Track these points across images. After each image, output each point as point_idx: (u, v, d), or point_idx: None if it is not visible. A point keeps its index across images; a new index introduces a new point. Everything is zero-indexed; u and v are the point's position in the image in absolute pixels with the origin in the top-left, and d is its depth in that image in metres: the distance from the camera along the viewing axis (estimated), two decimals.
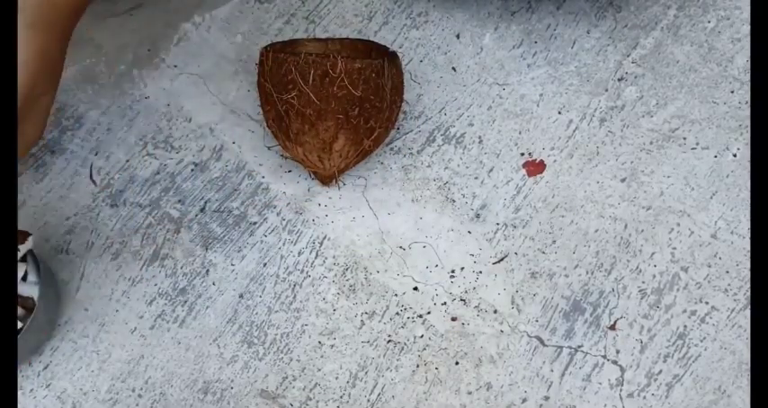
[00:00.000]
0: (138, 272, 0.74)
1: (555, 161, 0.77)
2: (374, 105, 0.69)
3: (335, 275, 0.73)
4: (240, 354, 0.71)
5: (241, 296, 0.73)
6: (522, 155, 0.78)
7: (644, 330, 0.70)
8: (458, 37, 0.84)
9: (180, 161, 0.78)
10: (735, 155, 0.76)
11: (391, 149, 0.78)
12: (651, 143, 0.77)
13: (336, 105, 0.68)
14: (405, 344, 0.70)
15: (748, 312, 0.70)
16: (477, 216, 0.75)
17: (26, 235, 0.70)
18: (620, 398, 0.68)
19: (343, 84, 0.67)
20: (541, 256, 0.73)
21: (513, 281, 0.72)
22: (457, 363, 0.69)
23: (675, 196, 0.75)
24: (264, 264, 0.74)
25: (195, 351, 0.71)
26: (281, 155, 0.78)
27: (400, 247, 0.74)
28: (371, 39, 0.83)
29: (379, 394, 0.69)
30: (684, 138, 0.77)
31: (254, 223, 0.75)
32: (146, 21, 0.85)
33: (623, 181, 0.76)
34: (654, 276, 0.72)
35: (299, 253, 0.74)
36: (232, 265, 0.74)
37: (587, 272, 0.72)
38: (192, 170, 0.78)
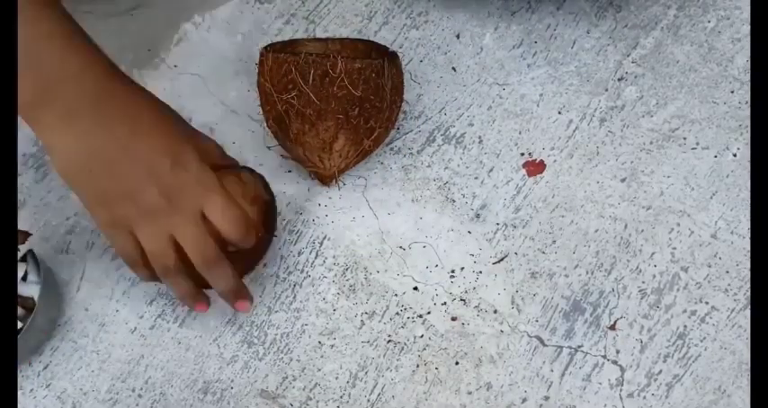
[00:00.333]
0: None
1: (555, 161, 0.77)
2: (374, 105, 0.69)
3: (335, 275, 0.73)
4: (240, 354, 0.71)
5: None
6: (522, 155, 0.78)
7: (644, 330, 0.70)
8: (458, 37, 0.84)
9: None
10: (735, 155, 0.76)
11: (391, 149, 0.78)
12: (651, 143, 0.77)
13: (336, 105, 0.68)
14: (405, 344, 0.70)
15: (748, 312, 0.70)
16: (477, 216, 0.75)
17: (26, 234, 0.70)
18: (620, 398, 0.68)
19: (343, 84, 0.67)
20: (541, 256, 0.73)
21: (513, 281, 0.72)
22: (457, 363, 0.69)
23: (675, 196, 0.75)
24: (264, 264, 0.74)
25: (195, 351, 0.71)
26: (281, 155, 0.78)
27: (400, 247, 0.74)
28: (371, 39, 0.83)
29: (379, 394, 0.69)
30: (684, 138, 0.77)
31: None
32: (146, 21, 0.85)
33: (623, 181, 0.76)
34: (654, 276, 0.72)
35: (299, 253, 0.74)
36: None
37: (587, 272, 0.72)
38: None
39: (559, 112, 0.79)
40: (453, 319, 0.71)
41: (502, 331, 0.70)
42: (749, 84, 0.79)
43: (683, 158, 0.77)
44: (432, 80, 0.81)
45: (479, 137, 0.79)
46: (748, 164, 0.76)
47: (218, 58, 0.83)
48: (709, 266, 0.72)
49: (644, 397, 0.68)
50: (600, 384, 0.68)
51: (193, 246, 0.61)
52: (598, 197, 0.75)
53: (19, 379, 0.70)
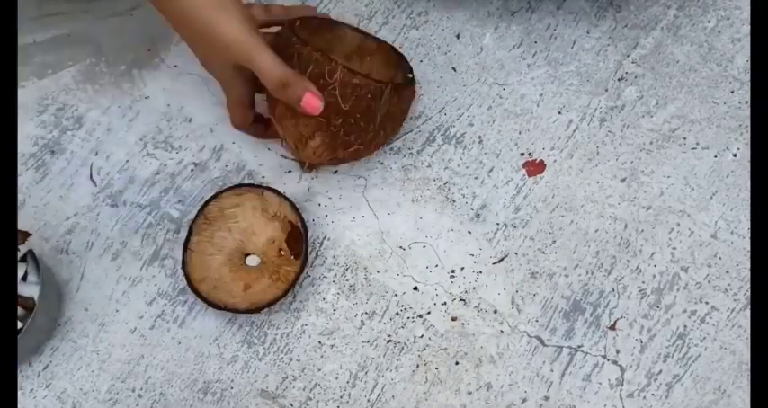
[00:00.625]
0: (138, 272, 0.74)
1: (555, 161, 0.77)
2: (358, 123, 0.68)
3: (335, 275, 0.73)
4: (240, 354, 0.71)
5: None
6: (522, 155, 0.78)
7: (644, 330, 0.70)
8: (458, 37, 0.84)
9: (180, 161, 0.78)
10: (735, 155, 0.76)
11: (391, 149, 0.78)
12: (651, 143, 0.77)
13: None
14: (405, 344, 0.70)
15: (748, 312, 0.70)
16: (477, 216, 0.75)
17: (26, 234, 0.70)
18: (620, 398, 0.68)
19: (333, 93, 0.66)
20: (541, 256, 0.73)
21: (513, 281, 0.72)
22: (457, 363, 0.69)
23: (675, 196, 0.75)
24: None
25: (195, 351, 0.71)
26: (282, 155, 0.78)
27: (400, 247, 0.74)
28: None
29: (379, 394, 0.69)
30: (684, 138, 0.77)
31: None
32: (146, 21, 0.85)
33: (623, 181, 0.76)
34: (654, 276, 0.72)
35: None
36: None
37: (587, 272, 0.72)
38: (192, 170, 0.78)
39: (559, 112, 0.79)
40: (453, 319, 0.71)
41: (502, 331, 0.70)
42: (749, 84, 0.79)
43: (683, 158, 0.77)
44: (432, 80, 0.81)
45: (479, 137, 0.79)
46: (748, 164, 0.76)
47: None
48: (709, 266, 0.72)
49: (644, 397, 0.68)
50: (600, 384, 0.68)
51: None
52: (598, 197, 0.75)
53: (19, 379, 0.70)
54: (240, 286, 0.71)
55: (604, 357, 0.69)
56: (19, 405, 0.69)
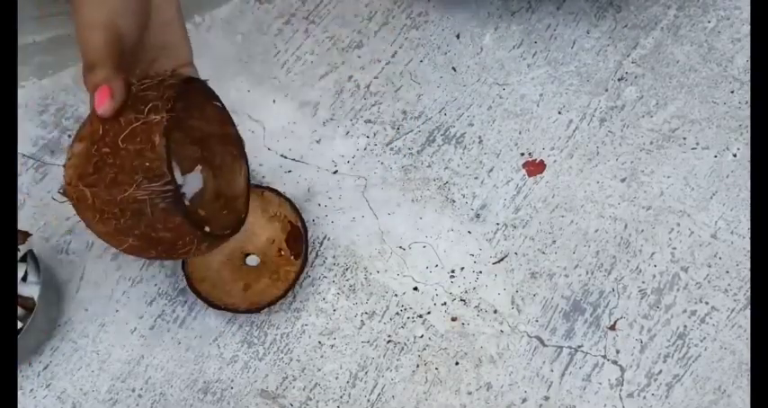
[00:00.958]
0: (138, 272, 0.74)
1: (555, 161, 0.77)
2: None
3: (335, 275, 0.73)
4: (240, 354, 0.71)
5: None
6: (522, 155, 0.78)
7: (644, 330, 0.70)
8: (458, 37, 0.84)
9: None
10: (735, 155, 0.76)
11: (391, 149, 0.78)
12: (651, 143, 0.77)
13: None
14: (405, 344, 0.70)
15: (748, 312, 0.70)
16: (477, 216, 0.75)
17: (26, 234, 0.70)
18: (620, 398, 0.68)
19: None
20: (541, 256, 0.73)
21: (513, 281, 0.72)
22: (457, 363, 0.69)
23: (675, 196, 0.75)
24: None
25: (195, 351, 0.71)
26: (282, 156, 0.78)
27: (400, 247, 0.74)
28: (371, 39, 0.83)
29: (379, 394, 0.69)
30: (684, 138, 0.77)
31: None
32: None
33: (623, 181, 0.76)
34: (654, 276, 0.72)
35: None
36: None
37: (587, 272, 0.72)
38: None
39: (559, 112, 0.79)
40: (453, 319, 0.71)
41: (502, 331, 0.70)
42: (749, 84, 0.79)
43: (683, 158, 0.77)
44: (432, 80, 0.81)
45: (479, 137, 0.79)
46: (748, 164, 0.76)
47: (217, 58, 0.83)
48: (709, 266, 0.72)
49: (644, 397, 0.68)
50: (600, 384, 0.68)
51: None
52: (598, 197, 0.75)
53: (19, 379, 0.70)
54: (240, 286, 0.71)
55: (604, 357, 0.69)
56: (19, 405, 0.69)
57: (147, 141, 0.52)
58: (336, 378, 0.69)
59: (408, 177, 0.77)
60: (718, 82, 0.79)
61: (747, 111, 0.78)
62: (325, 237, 0.75)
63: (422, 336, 0.71)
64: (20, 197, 0.77)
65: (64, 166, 0.56)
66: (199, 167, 0.66)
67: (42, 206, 0.77)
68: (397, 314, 0.72)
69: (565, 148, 0.78)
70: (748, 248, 0.72)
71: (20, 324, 0.67)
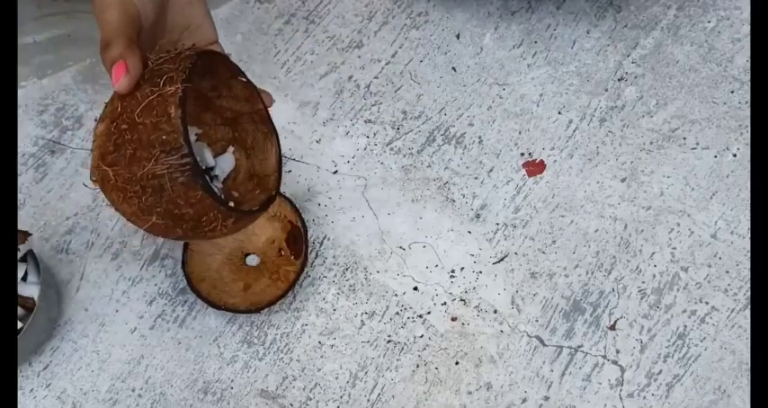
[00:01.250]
0: (138, 272, 0.74)
1: (555, 161, 0.77)
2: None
3: (335, 275, 0.73)
4: (240, 354, 0.71)
5: None
6: (522, 155, 0.78)
7: (644, 330, 0.70)
8: (458, 37, 0.84)
9: None
10: (735, 155, 0.76)
11: (391, 149, 0.78)
12: (651, 143, 0.77)
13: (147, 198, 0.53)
14: (405, 344, 0.70)
15: (748, 312, 0.70)
16: (477, 216, 0.75)
17: (26, 234, 0.70)
18: (620, 398, 0.68)
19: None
20: (541, 256, 0.73)
21: (513, 281, 0.72)
22: (457, 363, 0.69)
23: (675, 196, 0.75)
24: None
25: (195, 351, 0.71)
26: (282, 155, 0.78)
27: (400, 247, 0.74)
28: (371, 39, 0.83)
29: (379, 394, 0.69)
30: (684, 138, 0.77)
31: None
32: None
33: (623, 181, 0.76)
34: (654, 276, 0.72)
35: None
36: None
37: (587, 272, 0.72)
38: None
39: (559, 112, 0.79)
40: (453, 319, 0.71)
41: (502, 331, 0.70)
42: (749, 84, 0.79)
43: (682, 158, 0.77)
44: (432, 80, 0.81)
45: (479, 137, 0.79)
46: (748, 164, 0.76)
47: None
48: (709, 266, 0.72)
49: (644, 397, 0.68)
50: (600, 384, 0.68)
51: None
52: (598, 197, 0.75)
53: (19, 379, 0.70)
54: (240, 286, 0.71)
55: (604, 357, 0.69)
56: (19, 405, 0.69)
57: (163, 113, 0.51)
58: (336, 378, 0.69)
59: (408, 177, 0.77)
60: (718, 82, 0.80)
61: (747, 111, 0.78)
62: (325, 237, 0.75)
63: (422, 336, 0.71)
64: (20, 197, 0.77)
65: (91, 150, 0.56)
66: (231, 148, 0.65)
67: (42, 206, 0.77)
68: (397, 314, 0.72)
69: (565, 148, 0.78)
70: (748, 248, 0.72)
71: (20, 324, 0.67)
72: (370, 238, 0.75)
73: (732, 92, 0.79)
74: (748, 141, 0.76)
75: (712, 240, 0.73)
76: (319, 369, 0.70)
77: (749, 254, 0.72)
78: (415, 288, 0.72)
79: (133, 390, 0.70)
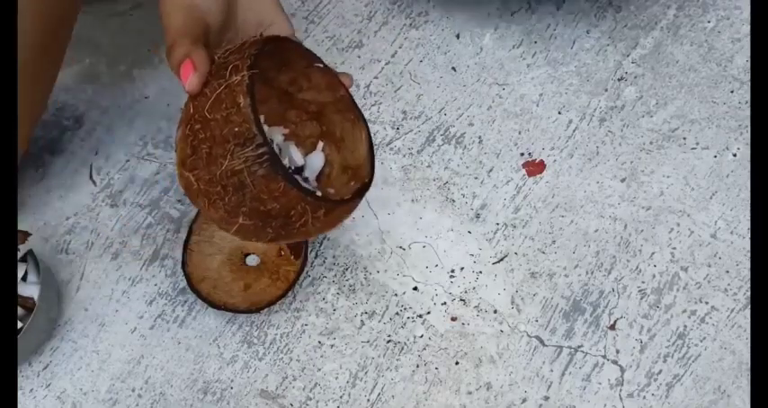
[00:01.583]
0: (138, 272, 0.74)
1: (555, 161, 0.77)
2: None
3: (335, 275, 0.73)
4: (240, 354, 0.71)
5: None
6: (522, 155, 0.78)
7: (644, 330, 0.70)
8: (458, 37, 0.84)
9: None
10: (735, 155, 0.76)
11: (391, 149, 0.78)
12: (651, 143, 0.77)
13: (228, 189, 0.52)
14: (405, 344, 0.70)
15: (748, 312, 0.70)
16: (477, 216, 0.75)
17: (26, 234, 0.70)
18: (620, 398, 0.68)
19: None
20: (541, 256, 0.73)
21: (513, 281, 0.72)
22: (457, 363, 0.69)
23: (675, 196, 0.75)
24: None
25: (195, 351, 0.71)
26: None
27: (400, 247, 0.74)
28: (371, 39, 0.83)
29: (379, 394, 0.69)
30: (684, 138, 0.77)
31: None
32: (146, 21, 0.85)
33: (623, 181, 0.76)
34: (654, 276, 0.72)
35: None
36: None
37: (587, 272, 0.72)
38: None
39: (559, 112, 0.79)
40: (453, 319, 0.71)
41: (502, 331, 0.70)
42: (749, 84, 0.79)
43: (683, 158, 0.77)
44: (432, 80, 0.81)
45: (479, 137, 0.79)
46: (748, 164, 0.76)
47: None
48: (709, 266, 0.72)
49: (644, 397, 0.68)
50: (600, 384, 0.68)
51: None
52: (598, 197, 0.75)
53: (19, 379, 0.70)
54: (240, 286, 0.71)
55: (604, 357, 0.69)
56: (19, 405, 0.69)
57: (233, 104, 0.49)
58: (336, 378, 0.69)
59: (408, 177, 0.77)
60: (718, 82, 0.80)
61: (747, 111, 0.78)
62: (324, 237, 0.75)
63: (422, 336, 0.71)
64: (20, 197, 0.77)
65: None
66: (320, 144, 0.63)
67: (42, 206, 0.77)
68: (397, 314, 0.72)
69: (565, 148, 0.78)
70: (748, 248, 0.72)
71: (20, 324, 0.67)
72: (370, 238, 0.75)
73: (732, 92, 0.79)
74: (748, 141, 0.76)
75: (712, 240, 0.73)
76: (319, 369, 0.70)
77: (749, 254, 0.72)
78: (415, 288, 0.72)
79: (133, 390, 0.70)
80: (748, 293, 0.71)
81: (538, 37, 0.83)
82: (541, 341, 0.70)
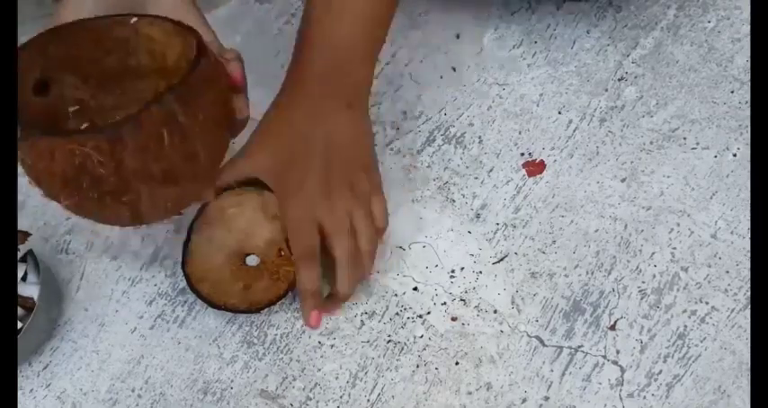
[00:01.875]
0: (138, 272, 0.74)
1: (555, 161, 0.77)
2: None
3: None
4: (240, 354, 0.71)
5: None
6: (522, 155, 0.78)
7: (644, 330, 0.70)
8: (458, 37, 0.84)
9: None
10: (735, 155, 0.76)
11: (391, 149, 0.78)
12: (651, 143, 0.77)
13: None
14: (405, 344, 0.70)
15: (748, 312, 0.70)
16: (478, 216, 0.75)
17: (26, 234, 0.70)
18: (620, 398, 0.68)
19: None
20: (541, 256, 0.73)
21: (513, 281, 0.72)
22: (457, 363, 0.69)
23: (675, 196, 0.75)
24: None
25: (195, 351, 0.71)
26: None
27: (400, 247, 0.74)
28: None
29: (379, 394, 0.69)
30: (684, 138, 0.77)
31: None
32: None
33: (623, 181, 0.76)
34: (654, 276, 0.72)
35: None
36: None
37: (587, 272, 0.72)
38: None
39: (559, 112, 0.79)
40: (453, 319, 0.71)
41: (502, 331, 0.70)
42: (749, 84, 0.79)
43: (683, 158, 0.77)
44: (432, 80, 0.81)
45: (479, 137, 0.79)
46: (748, 164, 0.76)
47: None
48: (709, 266, 0.72)
49: (644, 397, 0.67)
50: (600, 384, 0.68)
51: (363, 230, 0.69)
52: (598, 197, 0.75)
53: (19, 379, 0.70)
54: (240, 286, 0.71)
55: (604, 357, 0.69)
56: (19, 405, 0.69)
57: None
58: (336, 378, 0.69)
59: (408, 177, 0.77)
60: (718, 82, 0.79)
61: (747, 111, 0.78)
62: None
63: (422, 336, 0.71)
64: (20, 197, 0.77)
65: None
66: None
67: (42, 206, 0.77)
68: (397, 314, 0.72)
69: (565, 148, 0.78)
70: (748, 248, 0.72)
71: (20, 324, 0.67)
72: None
73: (732, 92, 0.79)
74: (748, 141, 0.76)
75: (712, 240, 0.73)
76: (319, 369, 0.70)
77: (749, 254, 0.72)
78: (415, 288, 0.72)
79: (133, 390, 0.70)
80: (748, 293, 0.71)
81: (538, 37, 0.83)
82: (541, 342, 0.70)
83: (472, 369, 0.69)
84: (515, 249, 0.74)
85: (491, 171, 0.77)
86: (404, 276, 0.73)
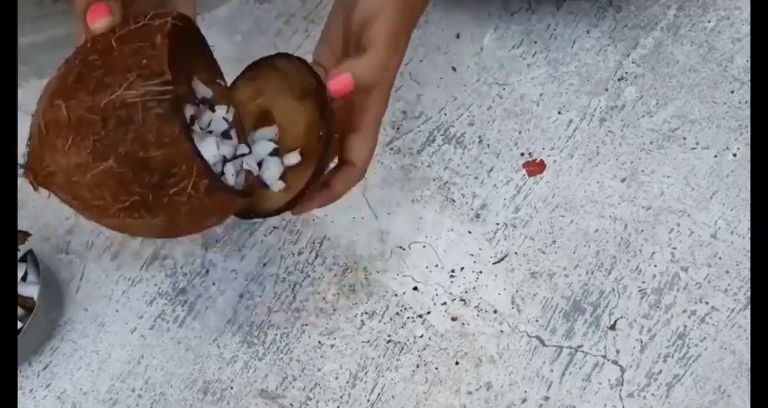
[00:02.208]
0: (138, 272, 0.74)
1: (555, 161, 0.77)
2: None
3: (335, 275, 0.73)
4: (240, 354, 0.71)
5: (241, 296, 0.73)
6: (522, 155, 0.78)
7: (644, 330, 0.70)
8: (458, 37, 0.84)
9: None
10: (735, 155, 0.76)
11: (391, 149, 0.78)
12: (651, 143, 0.77)
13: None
14: (405, 344, 0.70)
15: (748, 312, 0.70)
16: (477, 216, 0.75)
17: (26, 234, 0.70)
18: (620, 398, 0.68)
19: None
20: (541, 256, 0.73)
21: (513, 281, 0.72)
22: (457, 363, 0.69)
23: (675, 196, 0.75)
24: (264, 264, 0.74)
25: (195, 351, 0.71)
26: None
27: (400, 247, 0.74)
28: None
29: (379, 394, 0.69)
30: (684, 138, 0.77)
31: (254, 223, 0.75)
32: None
33: (623, 181, 0.76)
34: (654, 276, 0.72)
35: (299, 253, 0.74)
36: (232, 266, 0.74)
37: (587, 272, 0.72)
38: None
39: (559, 112, 0.79)
40: (453, 319, 0.71)
41: (502, 331, 0.70)
42: (749, 84, 0.79)
43: (683, 158, 0.77)
44: (432, 80, 0.81)
45: (479, 137, 0.79)
46: (748, 164, 0.76)
47: (217, 58, 0.83)
48: (709, 266, 0.72)
49: (644, 397, 0.68)
50: (600, 384, 0.68)
51: None
52: (598, 197, 0.75)
53: (19, 379, 0.70)
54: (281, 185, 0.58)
55: (604, 357, 0.69)
56: (19, 405, 0.69)
57: (148, 39, 0.45)
58: (336, 378, 0.69)
59: (408, 177, 0.77)
60: (718, 82, 0.79)
61: (747, 111, 0.78)
62: (324, 237, 0.75)
63: (422, 336, 0.71)
64: (20, 197, 0.77)
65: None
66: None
67: (42, 206, 0.77)
68: (397, 314, 0.72)
69: (565, 148, 0.78)
70: (748, 248, 0.72)
71: (20, 324, 0.67)
72: (370, 238, 0.75)
73: (732, 92, 0.79)
74: (748, 141, 0.76)
75: (712, 240, 0.73)
76: (319, 369, 0.70)
77: (749, 254, 0.72)
78: (415, 288, 0.72)
79: (133, 390, 0.70)
80: (748, 293, 0.71)
81: (538, 37, 0.83)
82: (541, 341, 0.70)
83: (472, 369, 0.69)
84: (515, 249, 0.74)
85: (491, 171, 0.77)
86: (404, 276, 0.73)
